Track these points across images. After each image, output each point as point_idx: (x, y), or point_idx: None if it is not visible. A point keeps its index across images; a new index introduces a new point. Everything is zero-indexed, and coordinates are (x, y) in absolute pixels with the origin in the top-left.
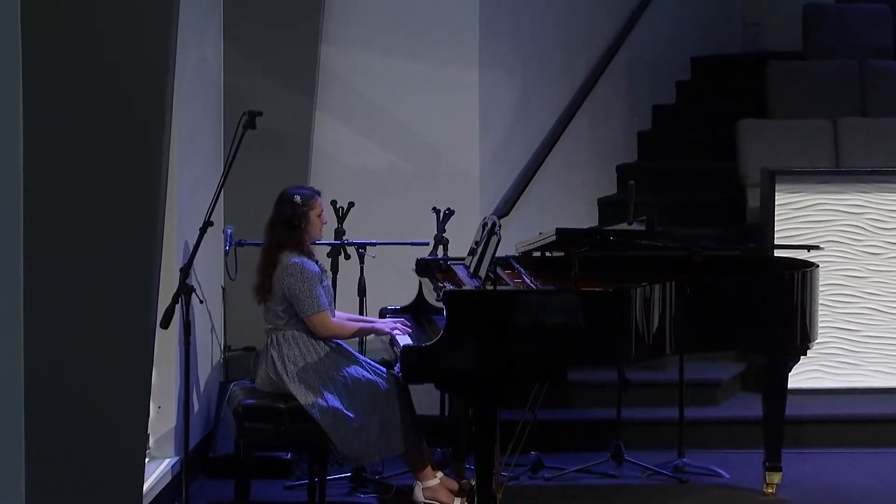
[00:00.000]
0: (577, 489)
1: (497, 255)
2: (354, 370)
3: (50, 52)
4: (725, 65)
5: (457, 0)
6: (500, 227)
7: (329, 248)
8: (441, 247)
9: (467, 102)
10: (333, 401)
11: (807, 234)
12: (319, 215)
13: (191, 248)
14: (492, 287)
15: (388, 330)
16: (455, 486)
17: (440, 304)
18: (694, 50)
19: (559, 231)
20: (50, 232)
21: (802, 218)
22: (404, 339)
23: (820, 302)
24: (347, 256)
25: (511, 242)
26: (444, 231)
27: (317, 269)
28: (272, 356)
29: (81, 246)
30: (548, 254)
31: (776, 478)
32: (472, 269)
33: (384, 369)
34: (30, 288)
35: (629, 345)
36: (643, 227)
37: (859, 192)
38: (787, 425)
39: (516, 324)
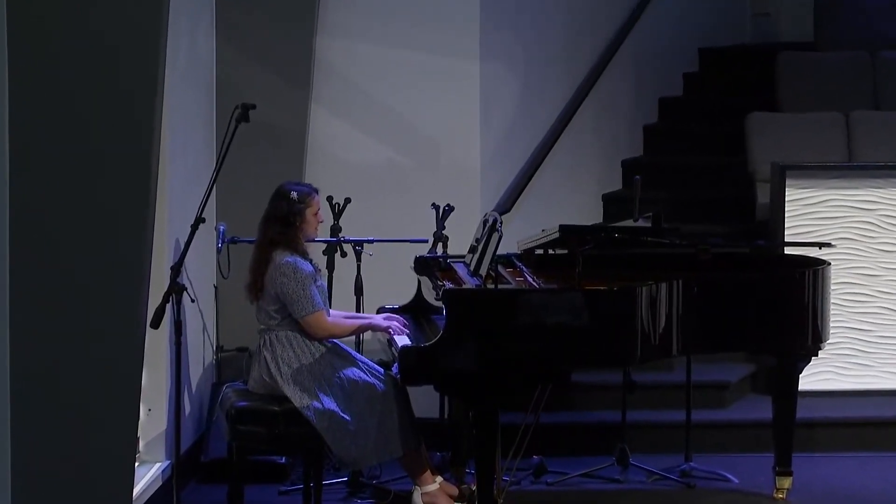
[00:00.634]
0: (581, 494)
1: (498, 252)
2: (351, 371)
3: (36, 44)
4: (734, 56)
5: None
6: (501, 223)
7: (325, 246)
8: (440, 244)
9: (468, 95)
10: (329, 403)
11: (818, 230)
12: (316, 213)
13: (182, 246)
14: (493, 286)
15: (385, 325)
16: (455, 491)
17: (439, 304)
18: (702, 41)
19: (562, 228)
20: (37, 229)
21: (813, 214)
22: (403, 340)
23: (832, 301)
24: (344, 254)
25: (513, 240)
26: (444, 228)
27: (311, 268)
28: (266, 357)
29: (69, 243)
30: (551, 251)
31: (787, 482)
32: (472, 268)
33: (382, 370)
34: (15, 287)
35: (635, 345)
36: (649, 224)
37: (872, 188)
38: (797, 428)
39: (518, 324)
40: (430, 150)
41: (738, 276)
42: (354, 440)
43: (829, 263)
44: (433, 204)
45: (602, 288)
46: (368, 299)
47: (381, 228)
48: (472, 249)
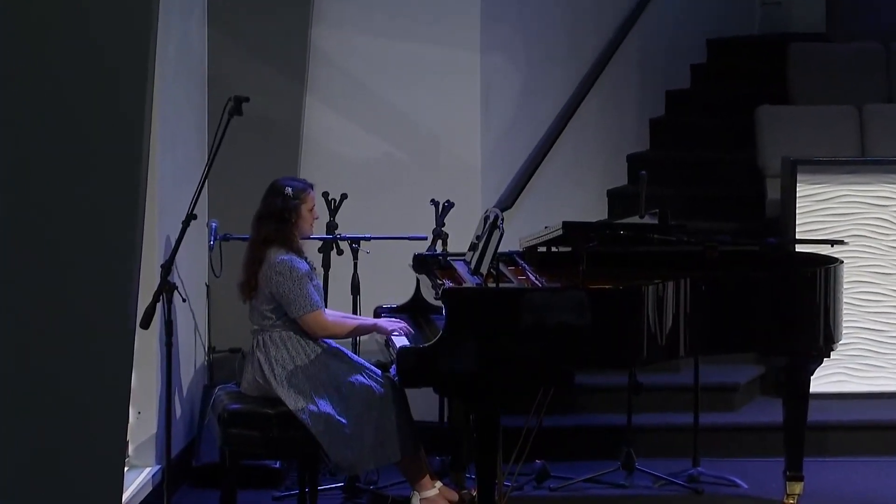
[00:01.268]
0: (585, 500)
1: (500, 250)
2: (347, 373)
3: (23, 35)
4: (743, 47)
5: None
6: (502, 220)
7: (320, 244)
8: (440, 242)
9: (468, 88)
10: (325, 406)
11: (830, 227)
12: (311, 210)
13: (173, 244)
14: (494, 285)
15: (390, 328)
16: (455, 496)
17: (439, 303)
18: (710, 31)
19: (566, 225)
20: (23, 226)
21: (825, 210)
22: (401, 340)
23: (844, 300)
24: (340, 252)
25: (515, 237)
26: (444, 225)
27: (306, 266)
28: (259, 359)
29: (56, 241)
30: (554, 249)
31: (797, 488)
32: (472, 266)
33: (379, 372)
34: (0, 285)
35: (640, 346)
36: (655, 221)
37: (886, 183)
38: (809, 432)
39: (520, 324)
40: (429, 144)
41: (748, 275)
42: (351, 444)
43: (842, 261)
44: (432, 200)
45: (607, 287)
46: (365, 299)
47: (379, 225)
48: (473, 247)
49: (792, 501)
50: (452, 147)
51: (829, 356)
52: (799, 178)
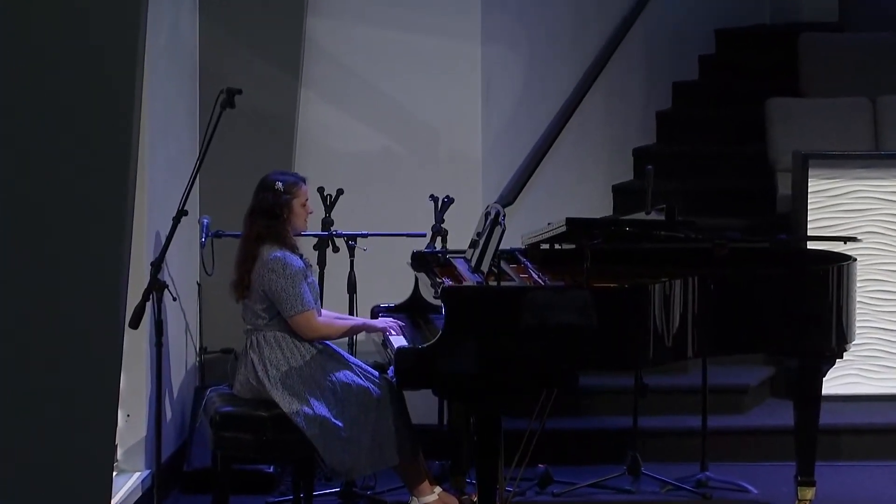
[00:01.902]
0: None
1: (501, 247)
2: (343, 374)
3: (6, 24)
4: (753, 37)
5: None
6: (504, 216)
7: (316, 241)
8: (439, 239)
9: (468, 79)
10: (320, 408)
11: (843, 224)
12: (304, 204)
13: (163, 240)
14: (495, 283)
15: (381, 325)
16: (455, 501)
17: (438, 302)
18: (718, 21)
19: (570, 221)
20: (7, 222)
21: (838, 206)
22: (399, 341)
23: (857, 299)
24: (336, 249)
25: (517, 234)
26: (443, 221)
27: (301, 263)
28: (252, 359)
29: (42, 238)
30: (557, 246)
31: (809, 493)
32: (473, 264)
33: (377, 373)
34: None
35: (647, 347)
36: (662, 217)
37: None
38: (821, 435)
39: (522, 323)
40: (428, 138)
41: (758, 273)
42: (347, 448)
43: (855, 259)
44: (431, 195)
45: (612, 286)
46: (362, 297)
47: (376, 222)
48: (473, 244)
49: None
50: (452, 141)
51: (841, 357)
52: (811, 172)
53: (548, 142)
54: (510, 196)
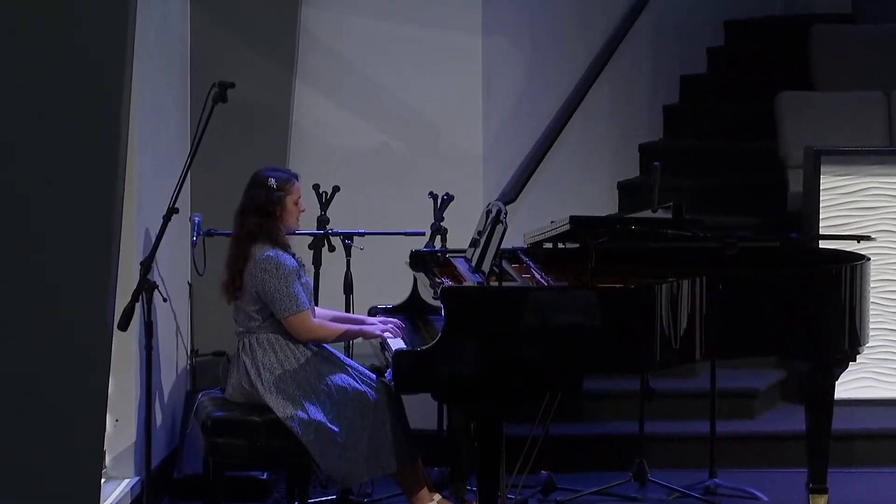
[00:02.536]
0: None
1: (503, 246)
2: (339, 378)
3: None
4: (763, 29)
5: None
6: (506, 214)
7: (311, 240)
8: (439, 237)
9: (469, 73)
10: (315, 413)
11: (856, 222)
12: (297, 202)
13: (153, 239)
14: (496, 283)
15: (378, 332)
16: None
17: (437, 303)
18: (727, 12)
19: (573, 219)
20: None
21: (851, 204)
22: (397, 343)
23: (871, 300)
24: (332, 248)
25: (519, 232)
26: (443, 219)
27: (294, 263)
28: (245, 363)
29: (27, 237)
30: (560, 245)
31: (821, 501)
32: (474, 263)
33: (374, 377)
34: None
35: (653, 349)
36: (669, 215)
37: None
38: (833, 441)
39: (525, 325)
40: (427, 133)
41: (768, 273)
42: (343, 454)
43: (869, 258)
44: (430, 193)
45: (617, 286)
46: (359, 298)
47: (373, 220)
48: (474, 243)
49: None
50: (452, 136)
51: (854, 360)
52: (823, 169)
53: (551, 137)
54: (512, 193)
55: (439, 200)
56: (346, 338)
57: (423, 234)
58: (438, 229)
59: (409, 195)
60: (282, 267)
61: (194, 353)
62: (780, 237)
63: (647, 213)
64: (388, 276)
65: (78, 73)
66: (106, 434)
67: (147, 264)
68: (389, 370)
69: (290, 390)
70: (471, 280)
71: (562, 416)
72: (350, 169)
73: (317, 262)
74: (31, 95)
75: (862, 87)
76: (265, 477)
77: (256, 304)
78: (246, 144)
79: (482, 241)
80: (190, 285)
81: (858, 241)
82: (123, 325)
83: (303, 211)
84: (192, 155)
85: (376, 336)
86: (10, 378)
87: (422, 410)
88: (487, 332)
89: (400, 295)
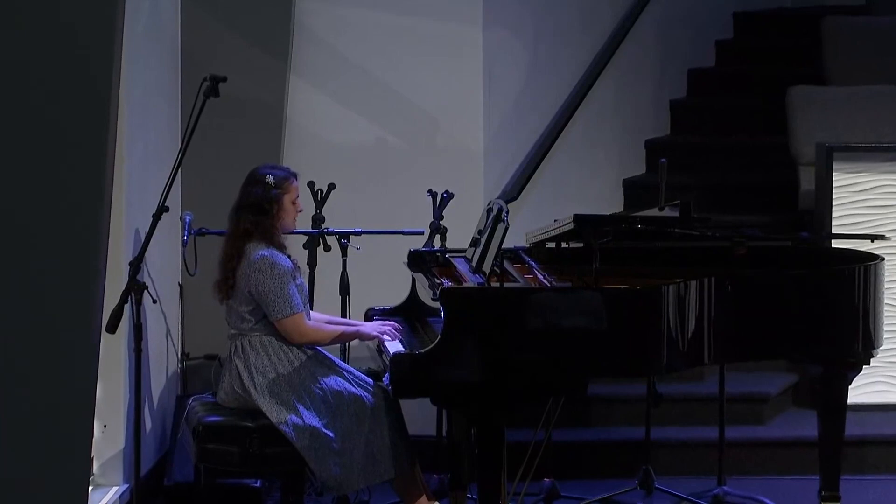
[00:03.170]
0: None
1: (504, 246)
2: (335, 382)
3: None
4: (774, 21)
5: None
6: (507, 213)
7: (305, 239)
8: (438, 237)
9: (469, 66)
10: (310, 418)
11: (870, 221)
12: (294, 201)
13: (143, 239)
14: (498, 284)
15: (375, 334)
16: None
17: (437, 305)
18: (737, 4)
19: (577, 218)
20: None
21: (865, 202)
22: (395, 346)
23: (885, 301)
24: (327, 248)
25: (521, 231)
26: (442, 218)
27: (289, 263)
28: (237, 366)
29: (10, 236)
30: (564, 245)
31: None
32: (474, 263)
33: (371, 381)
34: None
35: (660, 352)
36: (676, 214)
37: None
38: (846, 447)
39: (527, 327)
40: (426, 128)
41: (779, 274)
42: (339, 460)
43: (883, 258)
44: (430, 191)
45: (623, 287)
46: (355, 300)
47: (370, 219)
48: (475, 242)
49: None
50: (452, 132)
51: (868, 363)
52: (835, 166)
53: (554, 133)
54: (514, 191)
55: (438, 198)
56: (342, 340)
57: (422, 233)
58: (437, 228)
59: (408, 193)
60: (276, 267)
61: (185, 356)
62: (791, 236)
63: (654, 212)
64: (385, 277)
65: (63, 67)
66: (93, 440)
67: (136, 264)
68: (387, 374)
69: (284, 394)
70: (471, 281)
71: (565, 422)
72: (346, 166)
73: (312, 262)
74: (12, 90)
75: (876, 80)
76: (258, 484)
77: (249, 304)
78: (238, 140)
79: (483, 240)
80: (180, 286)
81: (872, 241)
82: (112, 328)
83: (300, 210)
84: (183, 151)
85: (373, 337)
86: None
87: (420, 415)
88: (488, 334)
89: (398, 296)
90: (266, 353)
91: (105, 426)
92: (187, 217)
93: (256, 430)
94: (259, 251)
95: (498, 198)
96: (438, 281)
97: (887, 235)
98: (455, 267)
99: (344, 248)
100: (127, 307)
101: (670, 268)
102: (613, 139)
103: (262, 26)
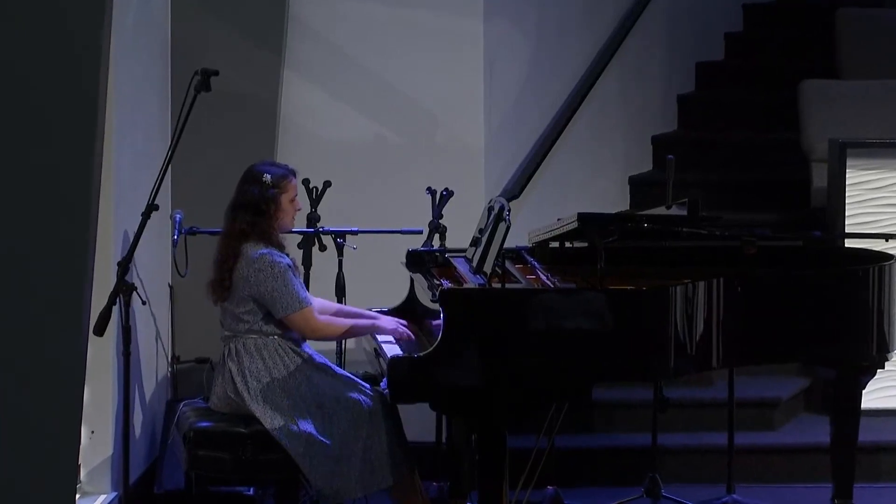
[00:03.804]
0: None
1: (506, 246)
2: (331, 387)
3: None
4: (785, 13)
5: None
6: (509, 211)
7: (300, 238)
8: (437, 236)
9: (470, 60)
10: (306, 424)
11: (884, 219)
12: (292, 201)
13: (131, 238)
14: (499, 285)
15: (391, 328)
16: None
17: (436, 306)
18: None
19: (582, 217)
20: None
21: (879, 200)
22: (392, 349)
23: None
24: (323, 248)
25: (523, 231)
26: (442, 217)
27: (288, 260)
28: (231, 369)
29: None
30: (567, 244)
31: None
32: (474, 264)
33: (368, 386)
34: None
35: (667, 356)
36: (684, 212)
37: None
38: (860, 453)
39: (529, 330)
40: (424, 124)
41: (790, 274)
42: (336, 468)
43: None
44: (429, 188)
45: (628, 288)
46: (352, 301)
47: (367, 217)
48: (475, 242)
49: None
50: (451, 128)
51: (882, 367)
52: (849, 162)
53: (557, 129)
54: (516, 189)
55: (438, 196)
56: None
57: (421, 232)
58: (437, 227)
59: (406, 191)
60: (276, 264)
61: (175, 359)
62: (802, 236)
63: (661, 210)
64: (382, 277)
65: (50, 61)
66: (81, 447)
67: (125, 265)
68: (385, 378)
69: (279, 400)
70: (472, 281)
71: (569, 428)
72: (342, 163)
73: (307, 262)
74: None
75: (891, 75)
76: (251, 492)
77: (246, 305)
78: (231, 137)
79: (484, 239)
80: (171, 287)
81: (887, 240)
82: (100, 330)
83: (299, 209)
84: (173, 148)
85: (389, 331)
86: None
87: (419, 421)
88: (489, 337)
89: (396, 297)
90: (261, 355)
91: (92, 432)
92: (178, 215)
93: (250, 437)
94: (257, 250)
95: (499, 196)
96: (438, 282)
97: None
98: (455, 267)
99: (340, 248)
100: (115, 309)
101: (678, 268)
102: (619, 135)
103: (256, 19)
